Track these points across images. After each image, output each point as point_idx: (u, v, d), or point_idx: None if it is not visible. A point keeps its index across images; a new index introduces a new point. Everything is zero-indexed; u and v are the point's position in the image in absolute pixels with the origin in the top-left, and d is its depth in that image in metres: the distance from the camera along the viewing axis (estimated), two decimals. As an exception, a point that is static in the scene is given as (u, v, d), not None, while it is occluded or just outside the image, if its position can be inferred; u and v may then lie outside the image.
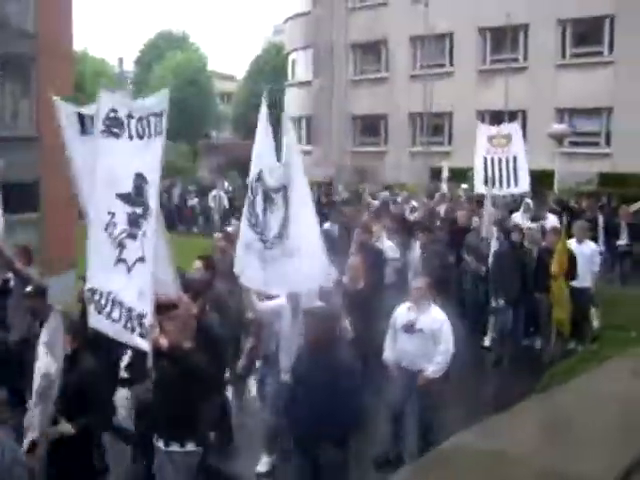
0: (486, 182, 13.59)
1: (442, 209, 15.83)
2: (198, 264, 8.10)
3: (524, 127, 15.89)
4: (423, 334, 7.29)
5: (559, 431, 2.33)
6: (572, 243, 11.30)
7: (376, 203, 18.54)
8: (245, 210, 7.07)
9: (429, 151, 27.91)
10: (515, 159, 13.87)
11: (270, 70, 47.44)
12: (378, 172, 32.04)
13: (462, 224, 13.06)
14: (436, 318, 7.36)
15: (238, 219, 15.12)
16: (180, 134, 48.76)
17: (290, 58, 38.78)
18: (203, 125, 50.88)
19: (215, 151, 51.53)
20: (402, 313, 7.55)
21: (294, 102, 37.92)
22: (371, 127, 34.31)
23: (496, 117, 26.19)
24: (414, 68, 31.54)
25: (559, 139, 21.06)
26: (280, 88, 41.71)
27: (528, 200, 15.09)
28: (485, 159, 13.85)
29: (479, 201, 16.92)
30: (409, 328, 7.39)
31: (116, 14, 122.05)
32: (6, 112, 15.20)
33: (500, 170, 13.73)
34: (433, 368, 7.22)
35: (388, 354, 7.63)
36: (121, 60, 63.96)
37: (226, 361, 7.62)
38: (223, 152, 46.16)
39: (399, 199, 20.72)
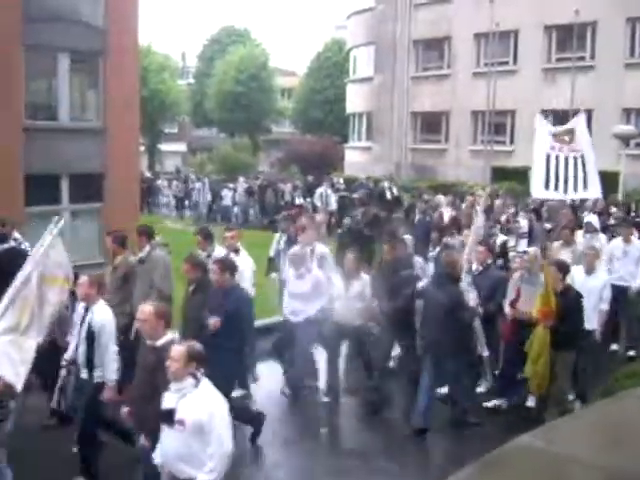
0: (547, 185, 11.21)
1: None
2: None
3: (589, 127, 14.40)
4: (185, 429, 5.02)
5: (627, 435, 2.28)
6: (578, 274, 9.11)
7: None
8: None
9: (491, 150, 27.52)
10: (582, 157, 11.28)
11: (331, 66, 47.55)
12: (438, 170, 31.80)
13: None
14: (201, 404, 5.05)
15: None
16: (241, 128, 49.31)
17: (352, 54, 38.75)
18: (264, 120, 51.28)
19: (275, 146, 51.94)
20: (166, 397, 5.27)
21: (355, 98, 37.93)
22: (432, 124, 34.03)
23: (560, 116, 25.64)
24: (477, 65, 31.16)
25: (625, 140, 20.52)
26: (341, 84, 41.78)
27: (591, 218, 13.28)
28: (548, 156, 11.13)
29: (535, 209, 15.65)
30: (166, 419, 5.15)
31: (180, 10, 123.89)
32: (75, 104, 15.59)
33: (566, 170, 11.11)
34: (205, 478, 4.97)
35: (156, 453, 5.39)
36: (184, 55, 65.01)
37: None
38: (283, 147, 46.50)
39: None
